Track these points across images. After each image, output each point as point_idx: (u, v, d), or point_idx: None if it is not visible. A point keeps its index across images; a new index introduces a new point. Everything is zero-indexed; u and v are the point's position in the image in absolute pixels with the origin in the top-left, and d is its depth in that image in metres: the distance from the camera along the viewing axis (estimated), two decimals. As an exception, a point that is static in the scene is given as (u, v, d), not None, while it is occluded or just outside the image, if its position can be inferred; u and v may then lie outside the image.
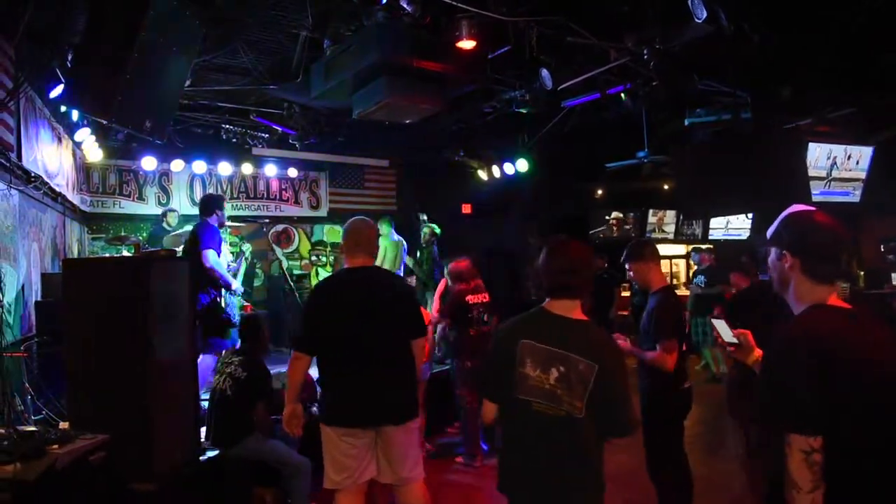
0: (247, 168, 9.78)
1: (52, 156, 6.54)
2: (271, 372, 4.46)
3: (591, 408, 2.23)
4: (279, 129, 8.30)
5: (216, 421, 4.29)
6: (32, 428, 3.72)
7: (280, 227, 10.88)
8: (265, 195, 10.67)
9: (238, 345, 4.82)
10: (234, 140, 8.68)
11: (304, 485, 4.09)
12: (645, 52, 5.37)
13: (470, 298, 5.64)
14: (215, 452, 4.31)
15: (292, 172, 10.41)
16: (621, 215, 12.49)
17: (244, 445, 4.13)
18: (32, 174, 5.52)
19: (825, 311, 1.83)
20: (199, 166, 9.21)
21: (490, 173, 10.43)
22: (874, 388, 1.69)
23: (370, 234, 3.41)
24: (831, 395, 1.66)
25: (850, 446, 1.67)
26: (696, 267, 9.73)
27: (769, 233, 1.97)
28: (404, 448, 3.26)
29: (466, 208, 11.91)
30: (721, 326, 2.40)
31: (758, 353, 2.26)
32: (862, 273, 12.02)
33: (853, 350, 1.72)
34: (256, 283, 10.07)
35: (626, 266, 3.94)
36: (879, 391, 1.70)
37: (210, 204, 6.04)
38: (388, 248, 8.58)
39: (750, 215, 12.27)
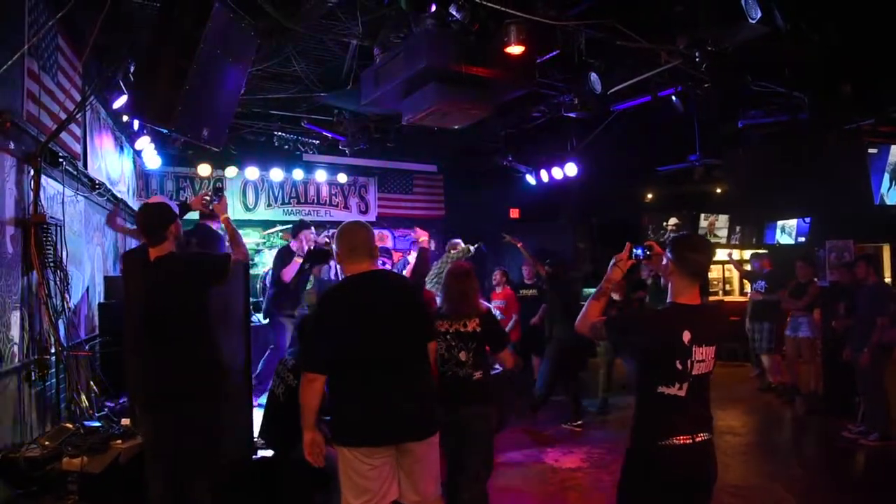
0: (297, 174, 10.03)
1: (115, 163, 6.82)
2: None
3: None
4: (329, 135, 8.46)
5: (270, 424, 4.35)
6: (97, 424, 3.89)
7: (330, 231, 11.06)
8: (315, 200, 10.89)
9: None
10: (286, 146, 8.92)
11: None
12: (696, 54, 5.27)
13: (440, 325, 3.85)
14: (270, 452, 4.41)
15: (342, 178, 10.61)
16: (678, 221, 12.25)
17: (298, 450, 4.16)
18: (97, 181, 5.76)
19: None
20: (252, 172, 9.48)
21: (539, 178, 10.39)
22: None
23: (366, 236, 3.15)
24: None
25: None
26: (749, 269, 9.48)
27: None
28: (428, 464, 3.07)
29: (514, 213, 11.89)
30: None
31: None
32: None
33: None
34: (308, 286, 10.25)
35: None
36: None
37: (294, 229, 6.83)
38: None
39: (807, 219, 11.88)
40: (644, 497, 2.67)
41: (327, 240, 7.22)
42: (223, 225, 4.04)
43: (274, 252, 8.03)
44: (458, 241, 7.30)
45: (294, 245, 6.77)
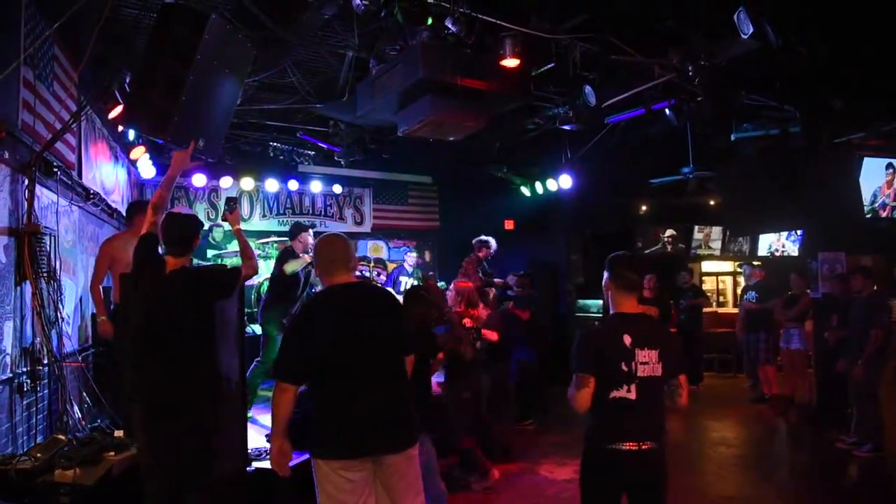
0: (293, 184, 10.03)
1: (109, 173, 6.81)
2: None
3: None
4: (325, 146, 8.48)
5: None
6: (90, 435, 3.86)
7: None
8: (310, 211, 10.88)
9: None
10: (282, 157, 8.92)
11: None
12: (689, 68, 5.32)
13: (467, 322, 5.73)
14: (263, 465, 4.39)
15: (337, 189, 10.63)
16: (675, 232, 12.29)
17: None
18: (91, 191, 5.75)
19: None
20: (247, 183, 9.48)
21: (533, 189, 10.42)
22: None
23: (344, 247, 3.16)
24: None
25: None
26: (744, 283, 9.53)
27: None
28: (407, 478, 3.01)
29: (509, 224, 11.91)
30: None
31: None
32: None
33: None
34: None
35: None
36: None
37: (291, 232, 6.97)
38: None
39: (799, 231, 11.94)
40: (594, 492, 2.99)
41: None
42: (235, 236, 4.01)
43: (270, 263, 8.04)
44: (490, 238, 7.98)
45: (297, 247, 6.83)
